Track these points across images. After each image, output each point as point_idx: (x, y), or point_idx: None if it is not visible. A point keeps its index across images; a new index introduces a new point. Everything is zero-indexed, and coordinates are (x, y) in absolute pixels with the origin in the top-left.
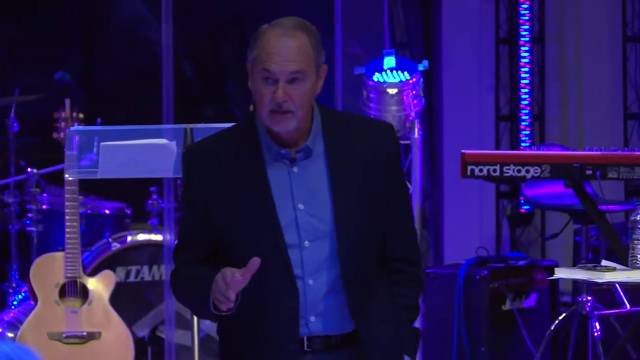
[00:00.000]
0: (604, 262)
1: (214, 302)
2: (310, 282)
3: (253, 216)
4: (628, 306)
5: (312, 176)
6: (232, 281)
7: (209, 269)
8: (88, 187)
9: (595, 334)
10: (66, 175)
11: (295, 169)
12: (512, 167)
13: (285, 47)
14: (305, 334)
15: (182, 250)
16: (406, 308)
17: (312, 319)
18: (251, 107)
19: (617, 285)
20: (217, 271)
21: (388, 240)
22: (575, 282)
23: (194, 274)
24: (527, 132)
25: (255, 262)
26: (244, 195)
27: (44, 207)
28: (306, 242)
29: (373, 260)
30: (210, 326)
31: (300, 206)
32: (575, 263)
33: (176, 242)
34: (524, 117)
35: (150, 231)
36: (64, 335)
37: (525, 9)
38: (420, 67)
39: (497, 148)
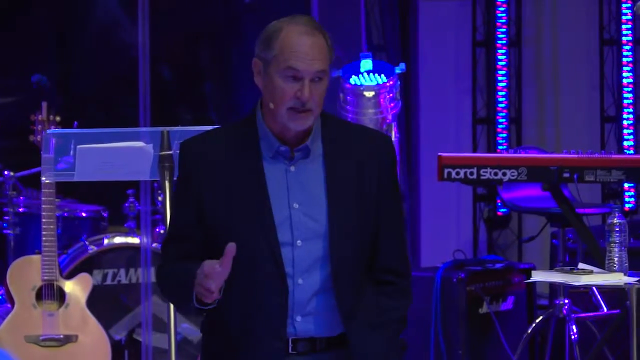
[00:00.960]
0: (581, 265)
1: (197, 295)
2: (300, 281)
3: (248, 212)
4: (605, 309)
5: (308, 176)
6: (212, 272)
7: (195, 263)
8: (65, 190)
9: (573, 337)
10: (43, 178)
11: (292, 168)
12: (489, 170)
13: (310, 45)
14: (291, 334)
15: (171, 244)
16: (394, 321)
17: (298, 319)
18: (258, 104)
19: (594, 288)
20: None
21: (379, 250)
22: (553, 285)
23: (179, 269)
24: (504, 135)
25: (231, 247)
26: (240, 190)
27: (20, 210)
28: (298, 241)
29: (363, 265)
30: (188, 329)
31: (295, 205)
32: (552, 266)
33: (163, 239)
34: (501, 120)
35: (127, 234)
36: (41, 338)
37: (502, 12)
38: (397, 70)
39: (474, 151)
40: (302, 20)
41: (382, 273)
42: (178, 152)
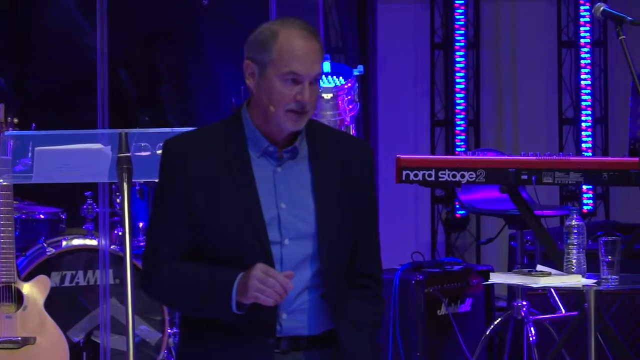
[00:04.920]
0: (539, 267)
1: (239, 298)
2: None
3: (238, 211)
4: (563, 311)
5: (295, 177)
6: (276, 275)
7: (212, 265)
8: (23, 192)
9: (531, 339)
10: (0, 180)
11: (279, 169)
12: (447, 172)
13: (310, 49)
14: (277, 332)
15: (163, 244)
16: (371, 324)
17: (284, 316)
18: (245, 104)
19: (552, 290)
20: (228, 268)
21: (357, 255)
22: (511, 287)
23: (196, 269)
24: (463, 137)
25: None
26: (229, 189)
27: None
28: (286, 241)
29: (346, 266)
30: (146, 331)
31: (283, 205)
32: (510, 268)
33: (148, 240)
34: (459, 122)
35: (85, 236)
36: None
37: (460, 14)
38: (356, 72)
39: (433, 153)
40: (297, 24)
41: (359, 277)
42: (160, 151)
